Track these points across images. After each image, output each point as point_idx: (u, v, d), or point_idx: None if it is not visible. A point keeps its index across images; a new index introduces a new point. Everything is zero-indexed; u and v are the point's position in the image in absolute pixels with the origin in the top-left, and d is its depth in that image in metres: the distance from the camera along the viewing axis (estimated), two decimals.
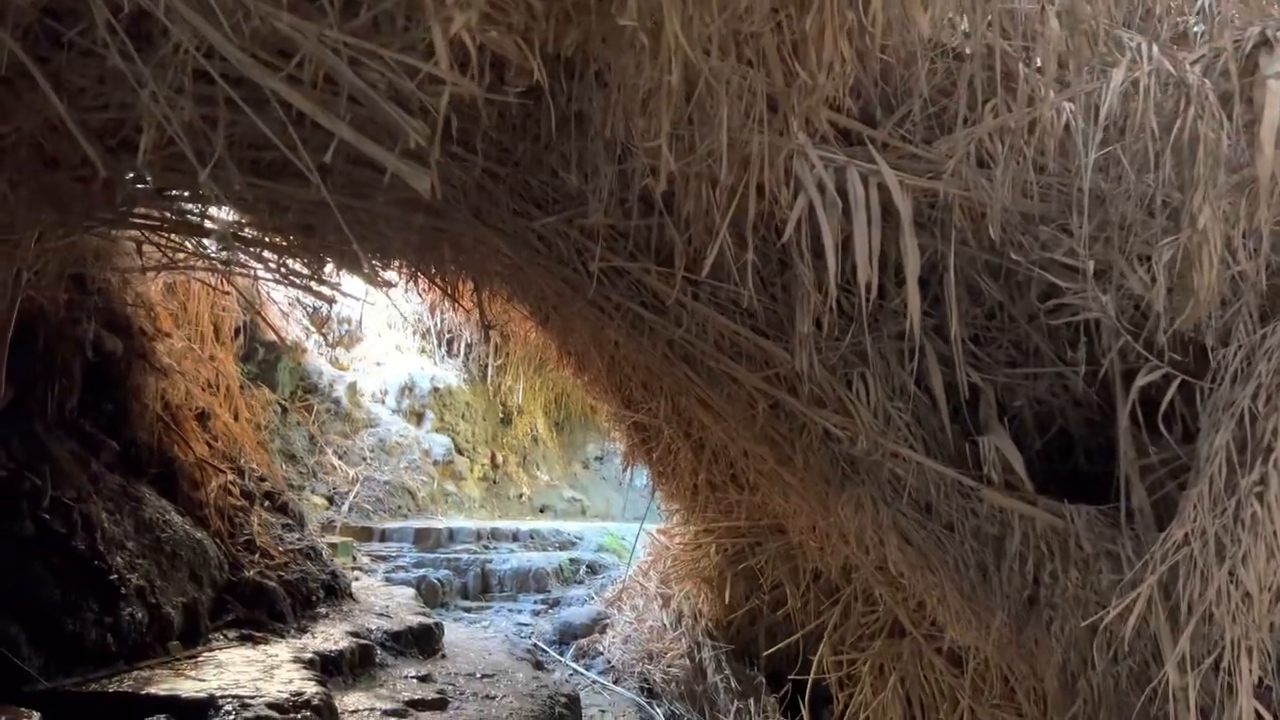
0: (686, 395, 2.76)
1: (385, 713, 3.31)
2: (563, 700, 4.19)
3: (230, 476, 4.50)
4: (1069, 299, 2.24)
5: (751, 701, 5.17)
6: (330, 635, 3.93)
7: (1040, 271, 2.27)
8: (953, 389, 2.60)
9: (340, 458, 7.75)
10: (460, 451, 9.84)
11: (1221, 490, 1.87)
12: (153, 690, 2.66)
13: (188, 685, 2.75)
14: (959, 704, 3.85)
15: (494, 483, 10.78)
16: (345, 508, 7.15)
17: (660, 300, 2.40)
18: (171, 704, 2.55)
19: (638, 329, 2.52)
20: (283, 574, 4.15)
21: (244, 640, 3.56)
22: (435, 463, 9.04)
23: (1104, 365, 2.31)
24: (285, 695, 2.74)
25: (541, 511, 11.37)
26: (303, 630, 3.94)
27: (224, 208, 3.03)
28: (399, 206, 2.43)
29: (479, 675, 4.27)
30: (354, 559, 6.51)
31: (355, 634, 4.07)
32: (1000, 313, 2.82)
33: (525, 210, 2.32)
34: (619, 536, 8.79)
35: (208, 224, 3.20)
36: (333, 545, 6.42)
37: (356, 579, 6.01)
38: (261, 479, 4.97)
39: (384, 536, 7.02)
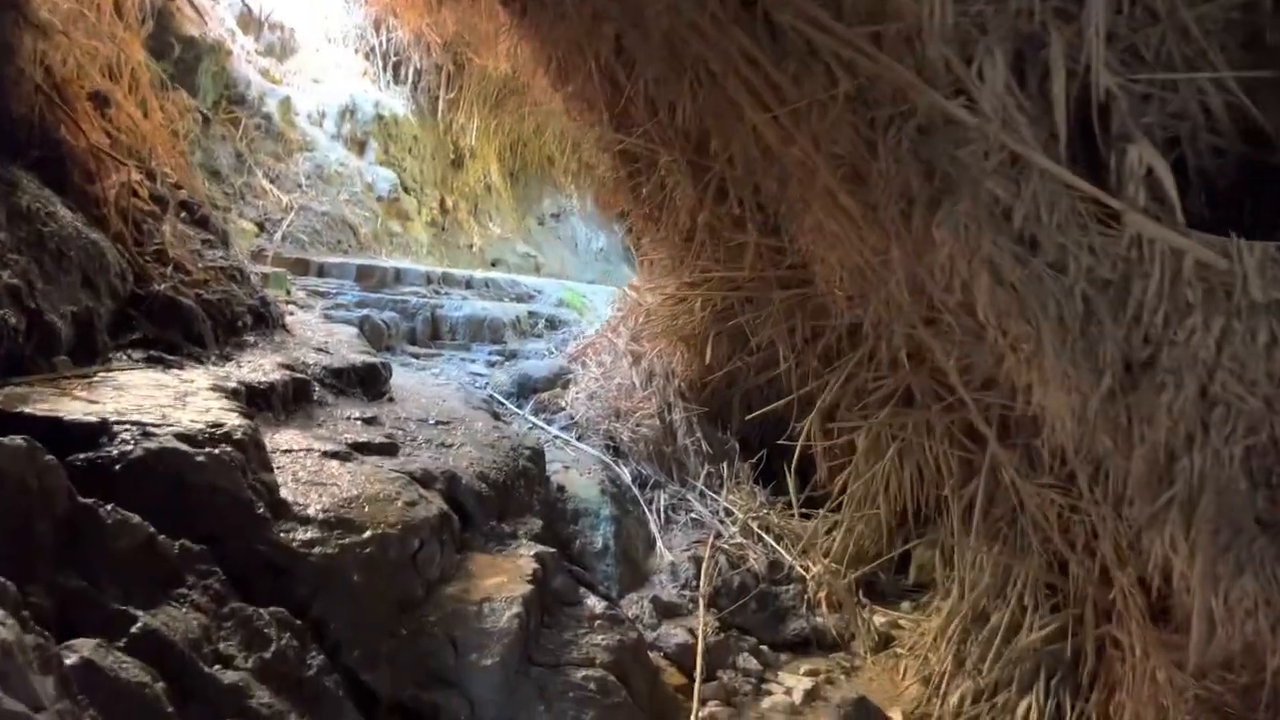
0: (729, 82, 2.14)
1: (325, 454, 2.86)
2: (526, 453, 3.81)
3: (136, 176, 3.81)
4: None
5: (724, 466, 4.91)
6: (259, 366, 3.43)
7: None
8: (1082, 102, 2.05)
9: (272, 181, 6.99)
10: (407, 190, 9.09)
11: None
12: (27, 409, 2.13)
13: (75, 406, 2.23)
14: (970, 482, 3.56)
15: (443, 229, 10.11)
16: (278, 236, 6.48)
17: None
18: (50, 426, 2.04)
19: None
20: (201, 292, 3.58)
21: (153, 363, 3.03)
22: (379, 198, 8.32)
23: None
24: (200, 426, 2.24)
25: (493, 265, 10.82)
26: (226, 358, 3.42)
27: None
28: None
29: (432, 421, 3.85)
30: (288, 292, 5.95)
31: (289, 367, 3.57)
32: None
33: None
34: (580, 293, 8.34)
35: None
36: (264, 275, 5.82)
37: (291, 314, 5.47)
38: (177, 186, 4.29)
39: (322, 271, 6.43)
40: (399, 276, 6.69)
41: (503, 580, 2.73)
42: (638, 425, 4.98)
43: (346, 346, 4.56)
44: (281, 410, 3.27)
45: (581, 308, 7.85)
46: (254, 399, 3.08)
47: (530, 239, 12.70)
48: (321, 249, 6.88)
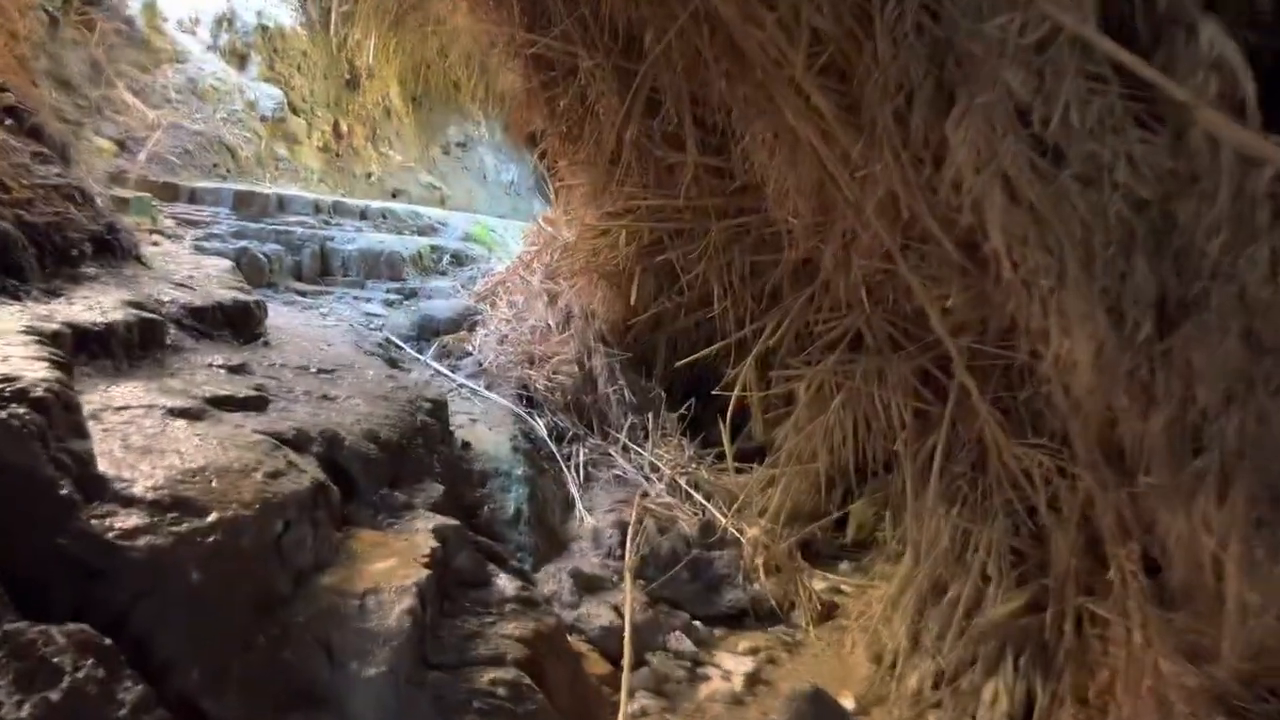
0: None
1: (171, 412, 2.35)
2: (426, 405, 3.36)
3: None
4: None
5: (649, 417, 4.52)
6: (97, 303, 2.87)
7: None
8: None
9: (136, 95, 6.22)
10: (295, 111, 8.33)
11: None
12: None
13: None
14: (927, 437, 3.25)
15: (337, 155, 9.38)
16: (142, 157, 5.77)
17: None
18: None
19: None
20: (23, 214, 2.98)
21: None
22: (263, 118, 7.57)
23: None
24: None
25: (394, 196, 10.14)
26: (54, 294, 2.85)
27: None
28: None
29: (314, 370, 3.36)
30: (153, 220, 5.30)
31: (137, 305, 3.03)
32: None
33: None
34: (489, 227, 7.79)
35: None
36: (123, 200, 5.18)
37: (156, 244, 4.85)
38: (1, 89, 3.63)
39: (194, 197, 5.76)
40: (283, 204, 6.05)
41: (393, 564, 2.29)
42: (554, 372, 4.55)
43: (216, 282, 3.99)
44: (124, 358, 2.74)
45: (491, 243, 7.33)
46: (84, 344, 2.56)
47: (434, 169, 12.01)
48: (194, 172, 6.18)
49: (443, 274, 6.33)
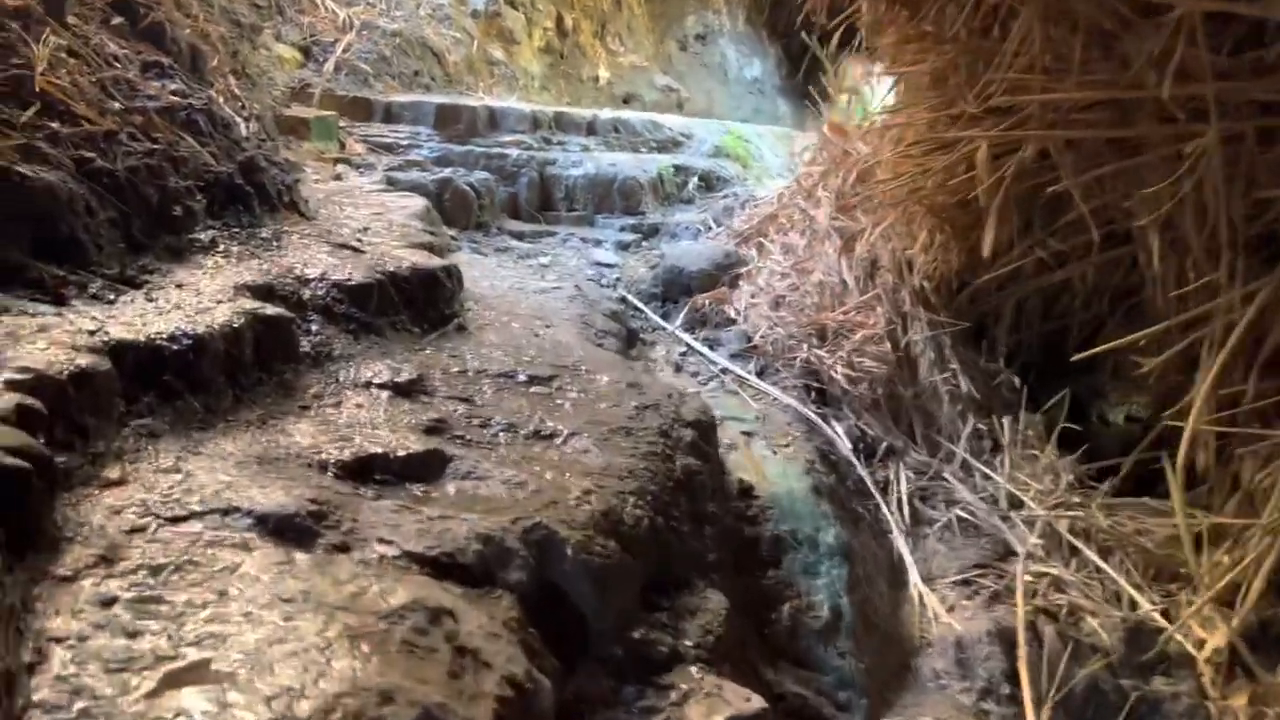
0: None
1: (260, 521, 1.36)
2: (687, 435, 2.24)
3: None
4: None
5: (1003, 422, 3.21)
6: (194, 295, 1.93)
7: None
8: None
9: None
10: (512, 4, 7.35)
11: None
12: None
13: None
14: None
15: (561, 57, 8.36)
16: (329, 66, 4.93)
17: None
18: None
19: None
20: (96, 158, 2.06)
21: None
22: (474, 14, 6.62)
23: None
24: None
25: (626, 102, 9.04)
26: (129, 282, 1.93)
27: None
28: None
29: (524, 376, 2.32)
30: (340, 146, 4.47)
31: (263, 290, 2.09)
32: None
33: None
34: (743, 137, 6.53)
35: None
36: (302, 122, 4.36)
37: (338, 178, 4.00)
38: None
39: (389, 115, 4.88)
40: (495, 120, 5.07)
41: None
42: (854, 352, 3.32)
43: (398, 235, 3.04)
44: (225, 387, 1.79)
45: (746, 158, 6.09)
46: (150, 375, 1.61)
47: (671, 68, 10.81)
48: (391, 83, 5.31)
49: (688, 202, 5.19)
